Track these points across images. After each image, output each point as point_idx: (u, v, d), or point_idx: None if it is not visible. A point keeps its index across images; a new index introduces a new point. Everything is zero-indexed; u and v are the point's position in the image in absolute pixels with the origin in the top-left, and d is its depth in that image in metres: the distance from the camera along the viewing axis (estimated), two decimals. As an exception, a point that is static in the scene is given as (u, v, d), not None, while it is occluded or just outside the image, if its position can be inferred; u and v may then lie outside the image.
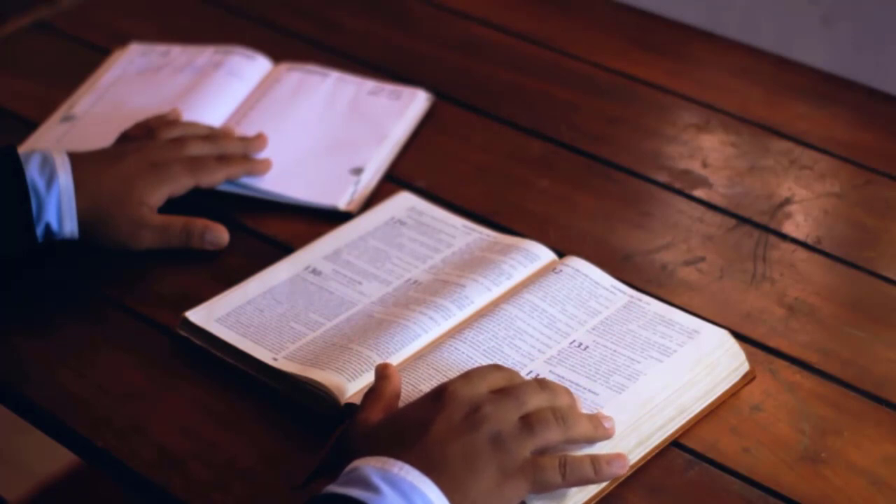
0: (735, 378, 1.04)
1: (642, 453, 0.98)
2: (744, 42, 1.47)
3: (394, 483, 0.87)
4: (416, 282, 1.11)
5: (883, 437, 1.01)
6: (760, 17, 2.16)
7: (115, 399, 1.04)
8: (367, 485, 0.87)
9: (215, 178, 1.20)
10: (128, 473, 0.99)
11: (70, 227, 1.12)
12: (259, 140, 1.26)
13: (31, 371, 1.07)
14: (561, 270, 1.10)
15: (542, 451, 0.92)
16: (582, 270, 1.10)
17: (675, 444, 1.00)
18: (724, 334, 1.05)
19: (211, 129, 1.25)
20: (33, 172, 1.11)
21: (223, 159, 1.21)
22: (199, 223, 1.17)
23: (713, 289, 1.14)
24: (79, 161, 1.14)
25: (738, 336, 1.07)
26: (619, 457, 0.95)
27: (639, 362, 1.02)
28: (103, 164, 1.15)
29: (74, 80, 1.38)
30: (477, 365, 1.01)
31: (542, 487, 0.91)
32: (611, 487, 0.96)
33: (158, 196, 1.16)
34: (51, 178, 1.12)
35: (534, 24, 1.50)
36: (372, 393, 0.97)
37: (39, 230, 1.11)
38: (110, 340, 1.09)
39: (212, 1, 1.54)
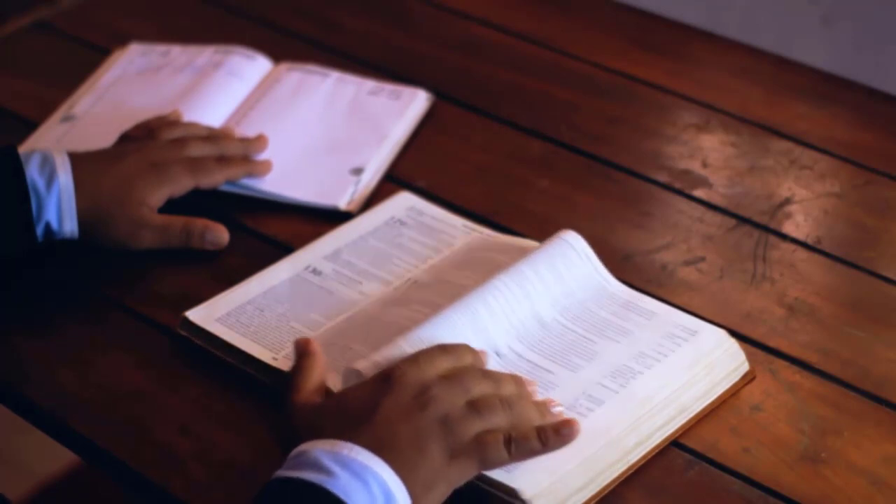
0: (735, 378, 1.04)
1: (642, 453, 0.98)
2: (744, 42, 1.47)
3: (345, 464, 0.87)
4: (416, 282, 1.11)
5: (883, 437, 1.01)
6: (760, 17, 2.16)
7: (115, 399, 1.04)
8: (319, 467, 0.87)
9: (215, 179, 1.20)
10: (128, 473, 0.99)
11: (70, 227, 1.12)
12: (259, 141, 1.26)
13: (31, 371, 1.07)
14: (560, 265, 1.10)
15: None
16: (581, 267, 1.10)
17: (675, 444, 1.00)
18: (723, 334, 1.05)
19: (211, 129, 1.25)
20: (33, 172, 1.11)
21: (223, 160, 1.21)
22: (199, 223, 1.16)
23: (713, 289, 1.14)
24: (79, 161, 1.14)
25: (738, 336, 1.07)
26: (566, 423, 0.94)
27: (638, 362, 1.02)
28: (103, 164, 1.15)
29: (74, 80, 1.38)
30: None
31: (491, 464, 0.93)
32: (611, 487, 0.96)
33: (158, 196, 1.16)
34: (51, 178, 1.11)
35: (534, 24, 1.50)
36: (299, 372, 0.98)
37: (39, 230, 1.11)
38: (110, 340, 1.09)
39: (212, 1, 1.54)
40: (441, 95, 1.37)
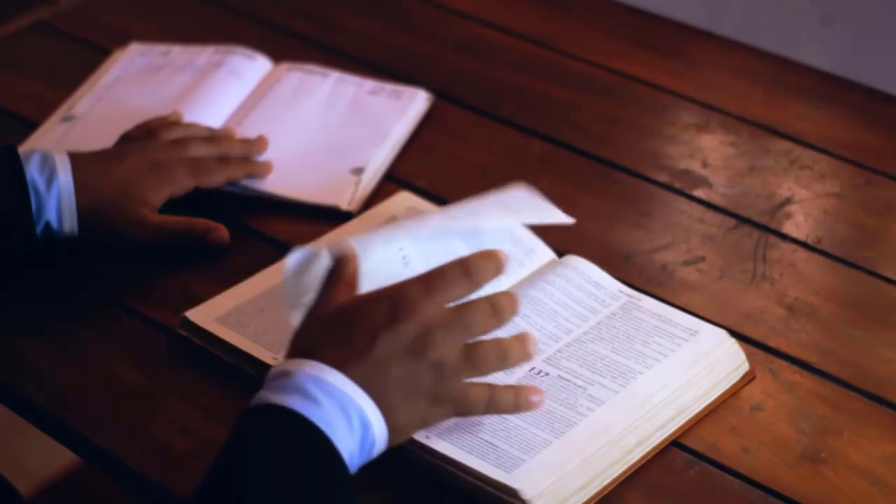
0: (735, 378, 1.04)
1: (642, 453, 0.98)
2: (744, 42, 1.47)
3: (330, 393, 0.88)
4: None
5: (883, 437, 1.01)
6: (760, 17, 2.17)
7: (116, 399, 1.04)
8: (305, 394, 0.87)
9: (216, 180, 1.20)
10: (128, 473, 0.99)
11: (70, 226, 1.12)
12: (260, 142, 1.26)
13: (31, 371, 1.06)
14: (561, 269, 1.10)
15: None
16: (582, 269, 1.10)
17: (675, 444, 1.00)
18: (723, 334, 1.05)
19: (212, 130, 1.26)
20: (33, 171, 1.11)
21: (224, 161, 1.21)
22: (200, 223, 1.17)
23: (713, 289, 1.14)
24: (79, 161, 1.14)
25: (738, 336, 1.07)
26: (535, 391, 0.96)
27: (638, 362, 1.03)
28: (104, 164, 1.16)
29: (74, 80, 1.38)
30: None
31: (466, 416, 0.95)
32: (611, 487, 0.96)
33: (159, 196, 1.16)
34: (51, 177, 1.12)
35: (534, 24, 1.50)
36: (332, 275, 0.98)
37: (39, 229, 1.11)
38: (110, 340, 1.09)
39: (212, 1, 1.54)
40: (441, 95, 1.37)
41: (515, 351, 0.95)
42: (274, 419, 0.87)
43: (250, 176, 1.23)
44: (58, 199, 1.12)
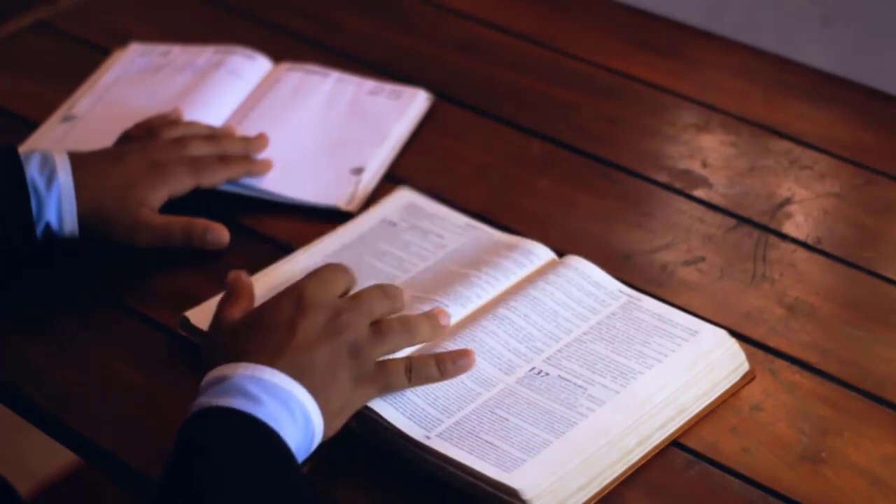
0: (735, 378, 1.04)
1: (642, 453, 0.98)
2: (744, 42, 1.47)
3: (270, 391, 0.90)
4: (416, 280, 1.11)
5: (883, 437, 1.01)
6: (760, 17, 2.17)
7: (116, 399, 1.04)
8: (245, 394, 0.89)
9: (216, 178, 1.20)
10: (128, 473, 0.99)
11: (70, 227, 1.12)
12: (260, 140, 1.26)
13: (31, 371, 1.06)
14: (561, 269, 1.10)
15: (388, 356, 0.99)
16: (582, 269, 1.10)
17: (675, 444, 1.00)
18: (723, 334, 1.05)
19: (212, 129, 1.26)
20: (33, 172, 1.11)
21: (224, 159, 1.21)
22: (200, 223, 1.16)
23: (713, 289, 1.14)
24: (79, 161, 1.14)
25: (738, 336, 1.07)
26: (464, 353, 1.00)
27: (638, 362, 1.03)
28: (104, 164, 1.15)
29: (74, 80, 1.38)
30: (478, 359, 1.02)
31: (390, 390, 0.98)
32: (611, 487, 0.96)
33: (159, 196, 1.16)
34: (50, 178, 1.11)
35: (534, 24, 1.50)
36: (228, 298, 1.02)
37: (39, 229, 1.11)
38: (110, 340, 1.09)
39: (212, 1, 1.54)
40: (441, 95, 1.37)
41: (423, 325, 1.01)
42: (222, 421, 0.89)
43: (250, 174, 1.23)
44: (58, 199, 1.11)
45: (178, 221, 1.16)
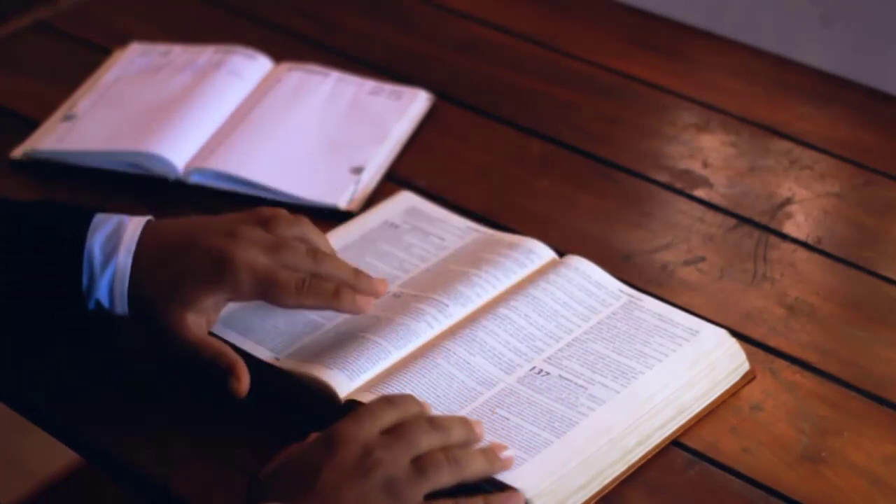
0: (735, 378, 1.04)
1: (642, 453, 0.98)
2: (744, 42, 1.47)
3: None
4: (417, 279, 1.11)
5: (883, 437, 1.01)
6: (760, 17, 2.17)
7: (116, 398, 1.04)
8: None
9: (289, 302, 1.02)
10: (128, 473, 0.99)
11: (121, 309, 1.02)
12: (377, 283, 1.06)
13: (31, 371, 1.06)
14: (561, 269, 1.10)
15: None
16: (582, 269, 1.10)
17: (675, 444, 1.00)
18: (723, 334, 1.05)
19: (319, 243, 1.07)
20: (95, 245, 1.01)
21: (316, 285, 1.02)
22: (226, 360, 1.01)
23: (713, 289, 1.14)
24: (150, 239, 1.02)
25: (738, 336, 1.07)
26: (513, 496, 0.91)
27: (639, 362, 1.03)
28: (168, 251, 1.02)
29: (74, 80, 1.38)
30: (474, 363, 1.02)
31: None
32: (611, 487, 0.96)
33: (212, 301, 1.01)
34: (110, 256, 1.01)
35: (534, 24, 1.50)
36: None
37: (91, 304, 1.02)
38: (110, 340, 1.09)
39: (212, 1, 1.54)
40: (441, 95, 1.37)
41: (476, 461, 0.92)
42: None
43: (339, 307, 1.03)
44: (110, 281, 1.01)
45: (208, 349, 1.01)
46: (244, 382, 1.00)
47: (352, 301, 1.02)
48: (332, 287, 1.02)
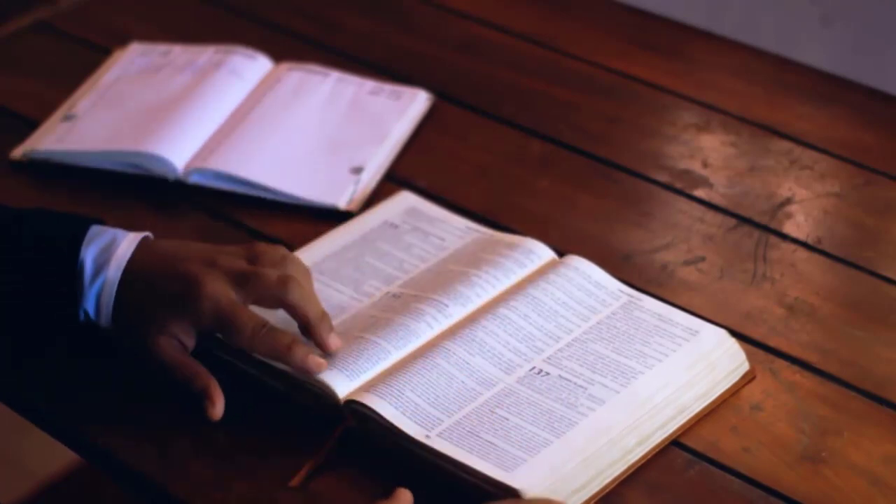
0: (735, 378, 1.04)
1: (642, 452, 0.98)
2: (744, 42, 1.47)
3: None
4: (417, 280, 1.11)
5: (883, 437, 1.01)
6: (760, 17, 2.17)
7: (116, 398, 1.04)
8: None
9: (261, 349, 1.02)
10: (128, 473, 0.99)
11: (105, 322, 1.04)
12: (329, 336, 1.03)
13: (31, 371, 1.06)
14: (561, 269, 1.10)
15: None
16: (582, 269, 1.10)
17: (675, 444, 1.00)
18: (723, 334, 1.05)
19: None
20: (88, 257, 1.03)
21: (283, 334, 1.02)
22: (200, 384, 1.02)
23: (713, 289, 1.14)
24: (142, 257, 1.04)
25: (738, 336, 1.07)
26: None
27: (638, 362, 1.03)
28: (158, 270, 1.03)
29: (74, 80, 1.38)
30: (474, 363, 1.02)
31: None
32: (611, 486, 0.96)
33: (179, 327, 1.03)
34: (100, 269, 1.03)
35: (534, 24, 1.50)
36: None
37: (81, 314, 1.04)
38: (110, 339, 1.09)
39: (212, 1, 1.54)
40: (441, 95, 1.37)
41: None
42: None
43: (301, 368, 1.01)
44: (97, 294, 1.03)
45: (182, 371, 1.02)
46: (218, 407, 1.01)
47: (303, 359, 1.00)
48: (287, 341, 1.00)
